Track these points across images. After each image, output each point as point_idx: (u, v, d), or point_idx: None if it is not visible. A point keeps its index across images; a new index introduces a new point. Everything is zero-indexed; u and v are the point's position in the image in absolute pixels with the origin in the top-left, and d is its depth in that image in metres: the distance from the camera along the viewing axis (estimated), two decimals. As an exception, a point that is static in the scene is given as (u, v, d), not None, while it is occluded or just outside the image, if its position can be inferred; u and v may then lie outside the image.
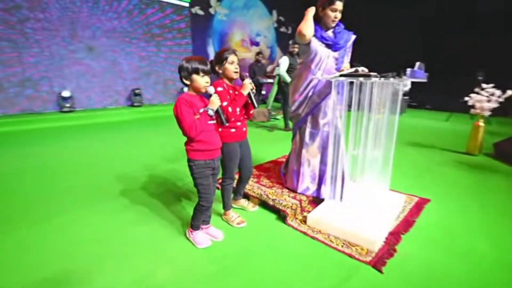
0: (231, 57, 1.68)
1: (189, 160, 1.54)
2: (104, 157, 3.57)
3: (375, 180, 2.02)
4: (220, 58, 1.69)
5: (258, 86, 6.47)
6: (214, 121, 1.55)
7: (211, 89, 1.49)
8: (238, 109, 1.70)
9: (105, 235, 1.80)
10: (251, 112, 1.83)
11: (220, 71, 1.73)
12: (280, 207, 2.02)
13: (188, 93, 1.50)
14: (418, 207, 2.15)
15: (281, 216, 1.99)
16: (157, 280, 1.40)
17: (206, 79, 1.48)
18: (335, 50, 2.03)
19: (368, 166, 2.01)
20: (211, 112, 1.46)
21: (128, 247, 1.68)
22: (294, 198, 2.11)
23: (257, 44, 10.51)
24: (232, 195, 2.03)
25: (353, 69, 1.74)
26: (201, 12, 8.63)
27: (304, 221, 1.93)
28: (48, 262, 1.53)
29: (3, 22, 5.27)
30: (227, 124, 1.55)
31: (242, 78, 1.72)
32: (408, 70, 1.43)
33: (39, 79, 5.84)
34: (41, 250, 1.65)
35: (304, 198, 2.13)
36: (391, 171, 2.03)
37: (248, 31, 10.15)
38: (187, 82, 1.47)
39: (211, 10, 8.94)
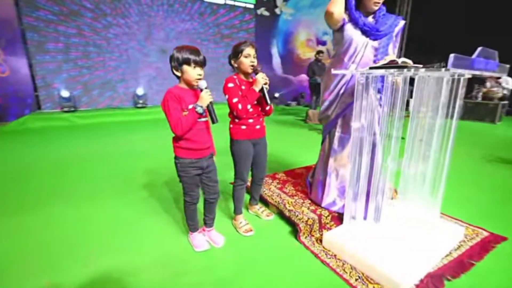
0: (247, 50, 1.54)
1: (175, 157, 1.46)
2: (165, 146, 3.88)
3: (420, 201, 1.58)
4: (236, 51, 1.57)
5: (316, 86, 6.09)
6: (206, 119, 1.44)
7: (202, 84, 1.37)
8: (249, 106, 1.56)
9: (114, 224, 1.89)
10: (267, 108, 1.66)
11: (235, 65, 1.61)
12: (295, 220, 1.78)
13: (179, 86, 1.41)
14: (484, 246, 1.59)
15: (296, 230, 1.75)
16: (140, 277, 1.37)
17: (198, 71, 1.37)
18: (374, 39, 1.67)
19: (412, 183, 1.59)
20: (199, 110, 1.35)
21: (128, 238, 1.72)
22: (314, 211, 1.83)
23: (323, 43, 10.00)
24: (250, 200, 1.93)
25: (387, 60, 1.38)
26: (266, 13, 8.68)
27: (320, 240, 1.64)
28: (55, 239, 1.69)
29: (92, 30, 6.27)
30: (215, 123, 1.40)
31: (255, 72, 1.56)
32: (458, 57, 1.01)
33: (118, 82, 6.77)
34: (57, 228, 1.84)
35: (326, 213, 1.82)
36: (443, 191, 1.55)
37: (314, 30, 9.74)
38: (178, 74, 1.37)
39: (277, 11, 8.91)
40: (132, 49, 6.80)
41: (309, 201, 1.98)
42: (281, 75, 9.48)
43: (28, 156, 3.48)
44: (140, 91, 6.73)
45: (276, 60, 9.32)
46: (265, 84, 1.52)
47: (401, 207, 1.69)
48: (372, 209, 1.67)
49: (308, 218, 1.74)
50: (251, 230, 1.75)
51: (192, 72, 1.35)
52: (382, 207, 1.65)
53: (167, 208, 2.09)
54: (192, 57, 1.33)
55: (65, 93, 5.84)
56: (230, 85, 1.57)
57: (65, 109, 5.87)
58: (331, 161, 1.86)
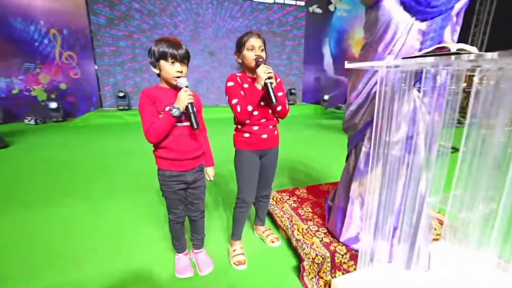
0: (251, 41, 1.25)
1: (158, 169, 1.25)
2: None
3: (477, 250, 1.08)
4: (238, 44, 1.30)
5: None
6: (187, 123, 1.18)
7: (181, 81, 1.13)
8: (250, 108, 1.25)
9: (118, 225, 1.79)
10: (278, 109, 1.33)
11: (239, 61, 1.35)
12: (301, 254, 1.42)
13: (159, 85, 1.20)
14: None
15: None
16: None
17: (178, 67, 1.13)
18: (423, 19, 1.20)
19: (469, 225, 1.10)
20: (175, 112, 1.10)
21: (127, 243, 1.59)
22: (327, 246, 1.43)
23: (384, 40, 8.95)
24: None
25: (438, 46, 0.93)
26: (319, 10, 8.16)
27: (328, 285, 1.26)
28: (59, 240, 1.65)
29: (139, 31, 6.61)
30: (195, 128, 1.13)
31: (257, 65, 1.24)
32: None
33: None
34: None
35: (343, 250, 1.41)
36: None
37: (374, 27, 8.79)
38: (156, 71, 1.16)
39: (331, 7, 8.30)
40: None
41: (325, 231, 1.58)
42: (332, 76, 8.81)
43: (79, 148, 3.78)
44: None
45: (328, 60, 8.69)
46: (268, 78, 1.19)
47: (449, 255, 1.19)
48: (405, 251, 1.22)
49: (317, 255, 1.36)
50: (243, 263, 1.44)
51: (170, 69, 1.13)
52: (422, 250, 1.19)
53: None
54: (170, 50, 1.11)
55: (120, 93, 6.35)
56: (230, 84, 1.31)
57: (120, 108, 6.38)
58: (354, 185, 1.44)
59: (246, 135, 1.36)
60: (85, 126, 5.72)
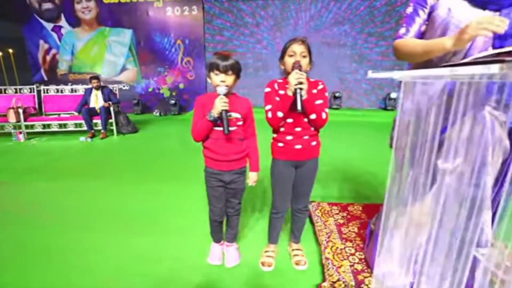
0: (293, 47, 1.27)
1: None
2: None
3: None
4: (282, 50, 1.34)
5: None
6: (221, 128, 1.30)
7: (219, 90, 1.26)
8: (280, 114, 1.27)
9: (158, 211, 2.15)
10: (312, 117, 1.28)
11: (282, 67, 1.37)
12: (325, 274, 1.34)
13: (213, 93, 1.34)
14: None
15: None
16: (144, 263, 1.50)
17: (222, 77, 1.27)
18: (497, 8, 0.92)
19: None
20: (210, 117, 1.25)
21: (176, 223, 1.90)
22: (355, 273, 1.29)
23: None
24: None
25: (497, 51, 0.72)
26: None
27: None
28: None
29: (240, 34, 7.23)
30: (226, 133, 1.24)
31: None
32: None
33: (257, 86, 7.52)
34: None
35: (373, 283, 1.24)
36: None
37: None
38: (209, 81, 1.34)
39: None
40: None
41: (363, 256, 1.42)
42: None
43: (184, 136, 4.61)
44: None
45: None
46: (299, 84, 1.17)
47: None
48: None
49: (339, 280, 1.26)
50: (269, 265, 1.48)
51: (215, 79, 1.30)
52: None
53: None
54: (216, 62, 1.27)
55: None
56: (267, 90, 1.37)
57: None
58: (394, 213, 1.24)
59: (280, 144, 1.37)
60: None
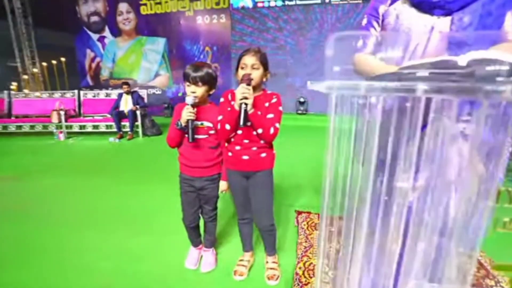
0: (243, 60, 1.25)
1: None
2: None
3: None
4: (237, 62, 1.30)
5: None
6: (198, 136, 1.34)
7: (187, 100, 1.29)
8: (227, 126, 1.25)
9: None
10: (259, 132, 1.23)
11: (238, 78, 1.30)
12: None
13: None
14: None
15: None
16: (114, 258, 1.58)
17: (192, 88, 1.30)
18: (445, 13, 0.82)
19: None
20: (177, 125, 1.29)
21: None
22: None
23: None
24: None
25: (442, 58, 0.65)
26: None
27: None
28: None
29: (266, 41, 7.23)
30: (190, 141, 1.27)
31: (247, 83, 1.18)
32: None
33: (289, 90, 7.42)
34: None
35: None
36: None
37: None
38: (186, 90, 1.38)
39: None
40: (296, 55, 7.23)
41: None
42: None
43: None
44: (301, 99, 7.09)
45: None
46: (244, 99, 1.15)
47: None
48: None
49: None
50: (240, 275, 1.46)
51: (187, 89, 1.34)
52: None
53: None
54: (187, 72, 1.32)
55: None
56: (221, 100, 1.37)
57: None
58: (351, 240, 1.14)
59: (230, 153, 1.35)
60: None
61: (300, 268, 1.40)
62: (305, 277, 1.34)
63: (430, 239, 0.87)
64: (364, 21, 1.12)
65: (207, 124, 1.37)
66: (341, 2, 6.47)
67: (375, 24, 1.07)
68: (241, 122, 1.16)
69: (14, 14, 7.97)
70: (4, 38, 8.03)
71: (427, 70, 0.60)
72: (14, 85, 7.82)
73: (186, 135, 1.35)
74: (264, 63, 1.27)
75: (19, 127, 5.30)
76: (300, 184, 2.71)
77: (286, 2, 6.74)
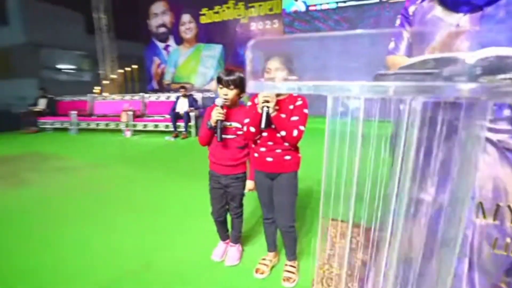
0: (268, 63, 1.28)
1: None
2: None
3: None
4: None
5: None
6: (226, 136, 1.43)
7: (217, 101, 1.38)
8: (252, 129, 1.31)
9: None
10: (282, 134, 1.26)
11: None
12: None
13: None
14: None
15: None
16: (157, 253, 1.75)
17: (224, 91, 1.40)
18: (472, 9, 0.72)
19: None
20: (207, 125, 1.39)
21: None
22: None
23: None
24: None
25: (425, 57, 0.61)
26: None
27: None
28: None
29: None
30: (218, 141, 1.36)
31: None
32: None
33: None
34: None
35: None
36: None
37: None
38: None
39: None
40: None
41: None
42: None
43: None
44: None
45: None
46: (265, 102, 1.20)
47: None
48: None
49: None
50: (261, 273, 1.49)
51: (219, 91, 1.45)
52: None
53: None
54: (220, 76, 1.42)
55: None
56: (249, 103, 1.43)
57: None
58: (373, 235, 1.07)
59: (256, 155, 1.39)
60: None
61: (319, 275, 1.37)
62: (323, 285, 1.30)
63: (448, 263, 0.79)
64: (398, 22, 1.07)
65: (235, 125, 1.45)
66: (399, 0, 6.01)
67: (407, 25, 1.01)
68: (263, 125, 1.21)
69: (101, 29, 9.43)
70: (93, 50, 9.57)
71: (409, 71, 0.56)
72: (97, 89, 9.25)
73: (215, 135, 1.45)
74: (289, 62, 1.28)
75: (98, 124, 6.26)
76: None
77: (339, 4, 6.53)
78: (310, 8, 6.86)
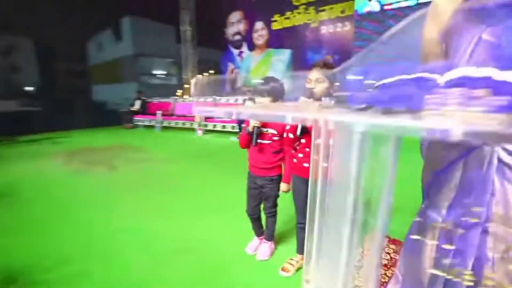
0: (310, 75, 1.36)
1: None
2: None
3: None
4: None
5: None
6: (263, 141, 1.58)
7: None
8: (290, 135, 1.41)
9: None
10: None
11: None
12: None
13: None
14: None
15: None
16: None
17: (260, 99, 1.55)
18: (496, 21, 0.65)
19: None
20: (247, 130, 1.56)
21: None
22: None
23: None
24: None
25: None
26: None
27: None
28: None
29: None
30: (253, 145, 1.50)
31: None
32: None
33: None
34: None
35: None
36: None
37: None
38: None
39: None
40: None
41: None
42: None
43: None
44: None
45: None
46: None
47: None
48: None
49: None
50: (286, 271, 1.58)
51: (258, 99, 1.61)
52: None
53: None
54: (258, 87, 1.59)
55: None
56: None
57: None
58: (403, 260, 1.03)
59: (294, 160, 1.47)
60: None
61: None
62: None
63: None
64: None
65: (271, 131, 1.58)
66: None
67: None
68: (298, 132, 1.33)
69: (185, 39, 10.77)
70: (179, 57, 11.00)
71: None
72: (179, 92, 10.62)
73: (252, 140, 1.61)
74: (331, 79, 1.32)
75: (177, 123, 7.22)
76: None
77: (421, 0, 5.87)
78: (385, 7, 6.37)
